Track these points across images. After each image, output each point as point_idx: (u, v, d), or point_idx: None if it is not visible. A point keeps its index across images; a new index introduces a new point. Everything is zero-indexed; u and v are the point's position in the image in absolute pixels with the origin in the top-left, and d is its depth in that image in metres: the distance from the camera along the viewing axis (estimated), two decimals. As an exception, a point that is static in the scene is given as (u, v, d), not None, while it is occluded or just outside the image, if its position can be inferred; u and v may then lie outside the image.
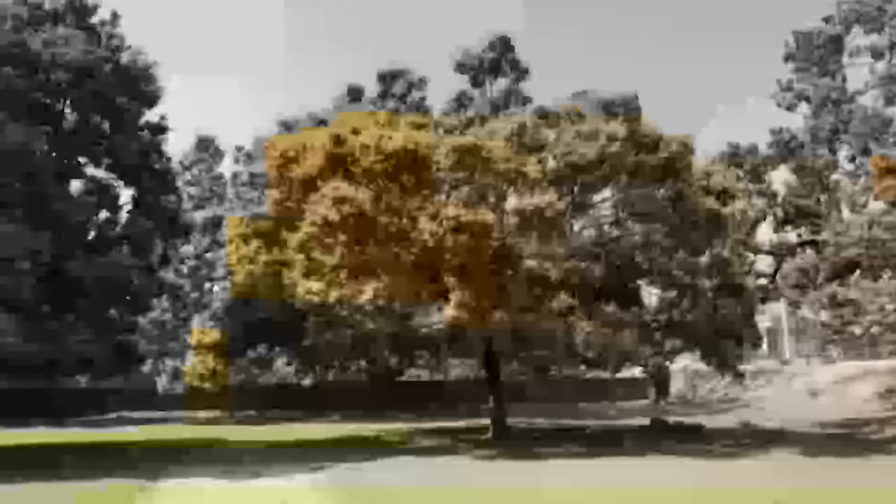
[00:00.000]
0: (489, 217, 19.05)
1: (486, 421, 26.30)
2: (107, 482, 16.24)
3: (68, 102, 21.79)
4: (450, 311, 18.91)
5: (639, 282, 24.45)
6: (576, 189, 22.43)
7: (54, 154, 20.35)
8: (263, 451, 22.26)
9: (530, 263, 19.42)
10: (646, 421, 29.40)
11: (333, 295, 20.21)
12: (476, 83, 27.30)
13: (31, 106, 20.12)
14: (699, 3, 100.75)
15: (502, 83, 27.14)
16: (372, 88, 29.56)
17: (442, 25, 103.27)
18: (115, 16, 22.75)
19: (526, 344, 22.63)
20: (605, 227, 23.49)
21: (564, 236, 21.37)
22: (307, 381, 34.84)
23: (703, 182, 22.84)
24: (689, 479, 16.45)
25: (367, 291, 19.79)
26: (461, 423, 30.95)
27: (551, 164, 21.79)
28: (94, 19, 22.26)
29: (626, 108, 21.57)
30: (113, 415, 37.55)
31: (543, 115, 23.17)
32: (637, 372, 35.44)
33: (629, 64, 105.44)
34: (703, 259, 23.15)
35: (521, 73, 27.22)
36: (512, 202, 19.48)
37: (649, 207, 21.50)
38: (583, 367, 29.55)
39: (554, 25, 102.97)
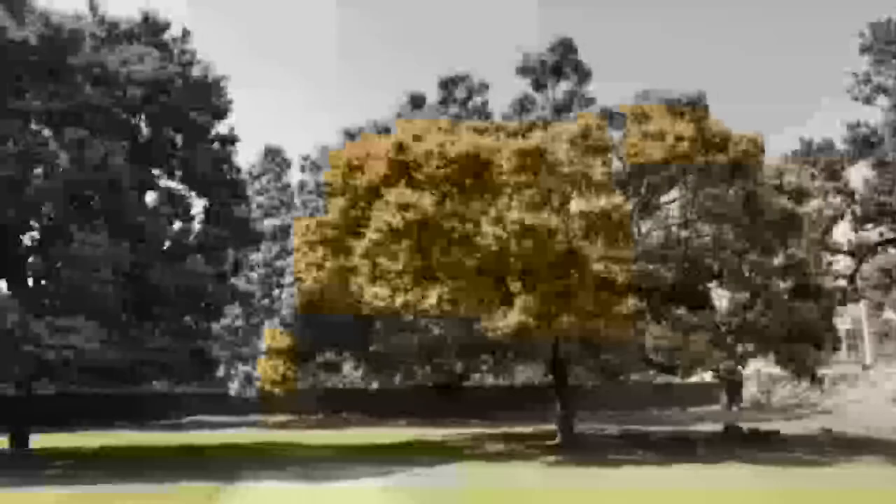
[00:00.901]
0: (554, 220, 18.93)
1: (553, 427, 26.06)
2: (185, 484, 16.78)
3: (143, 117, 22.67)
4: (515, 316, 18.85)
5: (709, 284, 23.85)
6: (643, 190, 22.08)
7: (132, 167, 21.17)
8: (333, 455, 22.60)
9: (597, 267, 19.18)
10: (719, 427, 28.61)
11: (399, 300, 20.40)
12: (538, 86, 27.11)
13: (109, 122, 21.02)
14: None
15: (565, 85, 26.89)
16: (434, 95, 29.80)
17: (501, 30, 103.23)
18: (185, 32, 23.57)
19: (593, 349, 22.34)
20: (674, 229, 23.02)
21: (632, 239, 21.04)
22: (374, 386, 35.21)
23: (776, 181, 22.16)
24: (772, 485, 15.95)
25: (432, 297, 19.93)
26: (528, 429, 30.75)
27: (617, 165, 21.51)
28: (166, 36, 23.12)
29: (693, 107, 21.10)
30: (189, 418, 38.75)
31: (608, 116, 22.89)
32: (708, 376, 34.49)
33: (695, 63, 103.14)
34: (777, 260, 22.44)
35: (584, 74, 26.90)
36: (577, 205, 19.28)
37: (719, 208, 20.99)
38: (652, 372, 28.92)
39: (617, 25, 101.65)
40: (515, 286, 19.56)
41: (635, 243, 21.43)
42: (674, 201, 22.92)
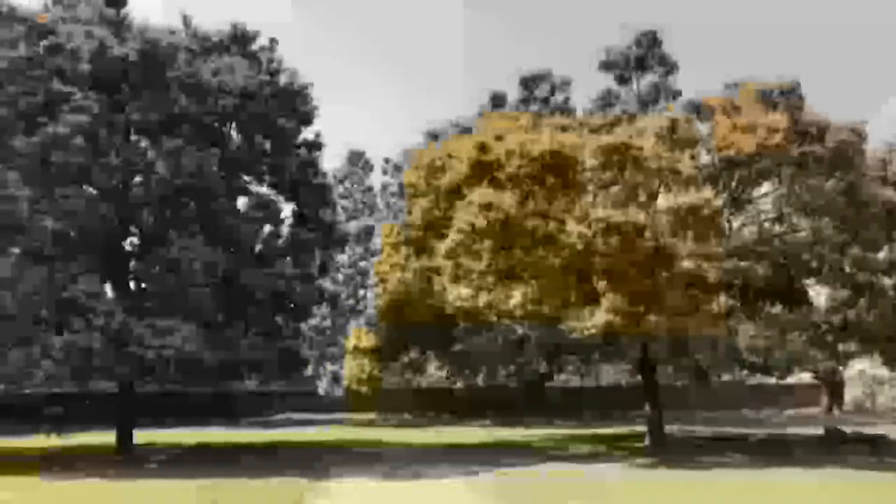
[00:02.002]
0: (641, 217, 18.50)
1: (642, 428, 25.51)
2: (278, 478, 17.30)
3: (234, 125, 23.49)
4: (602, 316, 18.52)
5: (806, 281, 22.77)
6: (733, 184, 21.31)
7: (223, 174, 21.97)
8: (420, 453, 22.82)
9: (686, 264, 18.62)
10: (819, 430, 27.33)
11: (482, 300, 20.38)
12: (622, 81, 26.57)
13: (202, 131, 21.88)
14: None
15: (650, 79, 26.27)
16: (515, 93, 29.68)
17: (582, 25, 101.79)
18: (272, 41, 24.29)
19: (683, 348, 21.70)
20: (767, 224, 22.11)
21: (722, 235, 20.35)
22: (458, 386, 35.37)
23: (880, 172, 20.96)
24: (875, 493, 15.09)
25: (515, 296, 19.82)
26: (614, 431, 30.23)
27: (705, 159, 20.84)
28: (255, 46, 23.88)
29: (787, 97, 20.19)
30: (279, 416, 39.97)
31: (695, 109, 22.20)
32: (807, 377, 32.98)
33: (789, 51, 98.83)
34: (882, 255, 21.22)
35: (670, 67, 26.19)
36: (665, 201, 18.79)
37: (817, 200, 20.02)
38: (745, 373, 27.90)
39: (702, 14, 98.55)
40: (601, 285, 19.21)
41: (726, 239, 20.70)
42: (767, 195, 21.99)
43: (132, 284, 22.49)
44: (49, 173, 19.97)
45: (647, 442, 24.01)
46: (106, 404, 29.42)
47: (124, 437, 23.26)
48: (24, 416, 34.02)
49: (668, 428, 25.04)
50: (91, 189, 20.72)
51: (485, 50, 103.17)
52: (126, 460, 21.67)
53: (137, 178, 20.93)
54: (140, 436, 24.36)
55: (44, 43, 20.69)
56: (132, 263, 22.59)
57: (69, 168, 19.82)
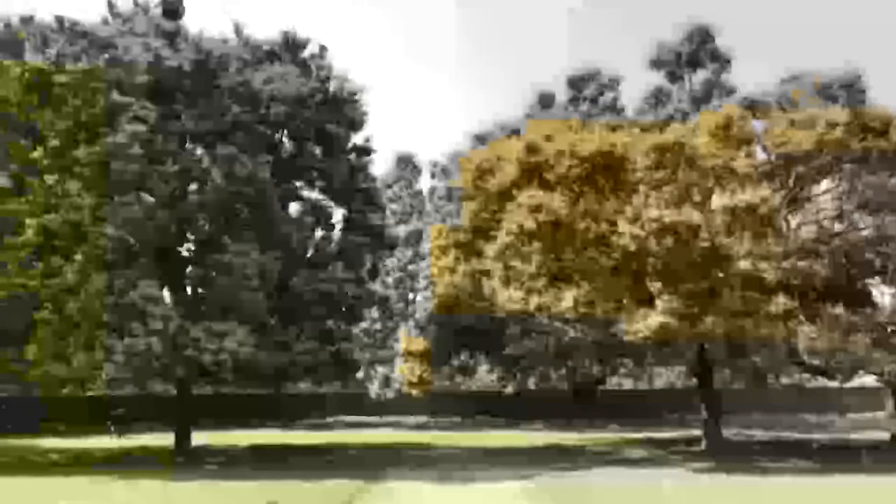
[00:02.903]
0: (695, 217, 18.14)
1: (697, 432, 24.97)
2: (332, 480, 17.46)
3: (285, 132, 23.90)
4: (656, 318, 18.21)
5: (870, 280, 22.01)
6: (791, 182, 20.72)
7: (275, 180, 22.35)
8: (472, 457, 22.77)
9: (743, 265, 18.17)
10: (884, 435, 26.35)
11: (533, 303, 20.24)
12: (673, 78, 26.09)
13: (255, 138, 22.31)
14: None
15: (702, 75, 25.73)
16: (563, 94, 29.40)
17: (632, 24, 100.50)
18: (322, 48, 24.65)
19: (740, 350, 21.21)
20: (827, 222, 21.44)
21: (780, 234, 19.80)
22: (509, 389, 35.24)
23: (949, 166, 20.10)
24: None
25: (567, 299, 19.63)
26: (670, 434, 29.69)
27: (762, 156, 20.32)
28: (305, 53, 24.26)
29: (847, 90, 19.54)
30: (331, 418, 40.40)
31: (751, 105, 21.67)
32: (870, 381, 31.84)
33: (849, 42, 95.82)
34: (950, 253, 20.36)
35: (723, 62, 25.61)
36: (720, 200, 18.36)
37: (881, 197, 19.34)
38: (805, 375, 27.09)
39: (758, 9, 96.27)
40: (655, 286, 18.89)
41: (784, 238, 20.13)
42: (826, 192, 21.33)
43: (189, 289, 23.03)
44: (109, 182, 20.59)
45: (703, 446, 23.50)
46: (163, 406, 30.25)
47: (182, 439, 23.82)
48: (88, 417, 35.18)
49: (724, 432, 24.47)
50: (149, 196, 21.29)
51: (533, 50, 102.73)
52: (185, 461, 22.17)
53: (193, 186, 21.43)
54: (197, 437, 24.88)
55: (103, 56, 21.37)
56: (188, 269, 23.15)
57: (128, 176, 20.40)
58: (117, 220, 20.18)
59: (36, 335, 20.29)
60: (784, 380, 33.14)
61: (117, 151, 20.09)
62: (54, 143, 21.27)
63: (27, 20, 21.06)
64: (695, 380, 25.12)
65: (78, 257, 20.48)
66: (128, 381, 21.61)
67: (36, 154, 21.65)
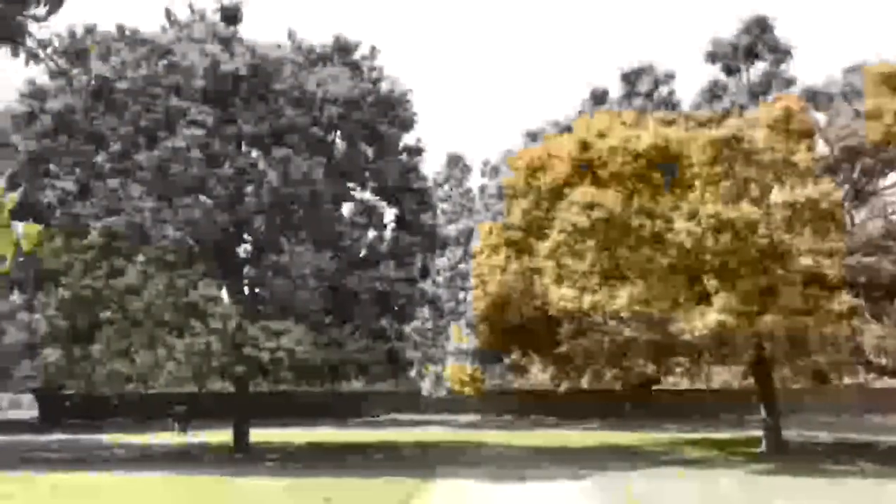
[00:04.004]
0: (754, 212, 17.72)
1: (756, 433, 24.40)
2: (387, 478, 17.62)
3: (338, 133, 24.19)
4: (713, 316, 17.85)
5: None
6: (855, 176, 20.08)
7: (329, 181, 22.65)
8: (524, 456, 22.70)
9: (804, 261, 17.68)
10: (957, 438, 25.31)
11: (586, 301, 20.05)
12: (730, 71, 25.47)
13: (308, 140, 22.64)
14: None
15: (760, 67, 25.08)
16: (616, 90, 29.09)
17: (686, 17, 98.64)
18: (373, 50, 24.86)
19: (802, 349, 20.59)
20: (895, 217, 20.69)
21: (844, 229, 19.18)
22: (562, 388, 34.93)
23: None
24: None
25: (621, 297, 19.40)
26: (727, 435, 29.06)
27: (823, 150, 19.73)
28: (356, 55, 24.51)
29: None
30: (384, 417, 40.73)
31: (812, 96, 21.04)
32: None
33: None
34: None
35: (782, 54, 24.92)
36: (780, 195, 17.90)
37: (952, 190, 18.57)
38: (871, 376, 26.18)
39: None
40: (712, 284, 18.52)
41: (848, 234, 19.51)
42: (893, 186, 20.59)
43: (246, 289, 23.51)
44: (169, 185, 21.18)
45: (763, 447, 22.94)
46: (220, 403, 30.95)
47: (241, 435, 24.32)
48: (149, 414, 36.23)
49: (785, 433, 23.84)
50: (207, 199, 21.81)
51: (584, 46, 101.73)
52: (244, 458, 22.65)
53: (249, 188, 21.87)
54: (253, 434, 25.39)
55: (162, 62, 21.97)
56: (245, 269, 23.64)
57: (187, 179, 20.96)
58: (177, 221, 20.74)
59: (101, 334, 21.02)
60: (848, 380, 32.08)
61: (177, 155, 20.66)
62: (116, 147, 22.00)
63: (90, 30, 21.78)
64: (753, 379, 24.53)
65: (140, 258, 21.14)
66: (188, 378, 22.20)
67: (99, 159, 22.44)
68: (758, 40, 24.66)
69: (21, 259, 20.82)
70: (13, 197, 17.68)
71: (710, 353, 24.79)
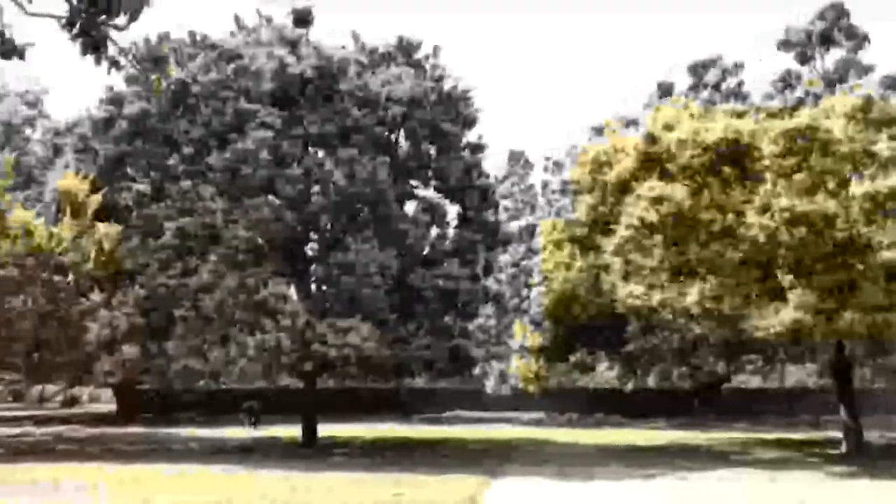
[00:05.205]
0: (831, 205, 17.11)
1: (834, 433, 23.52)
2: (452, 474, 17.67)
3: (401, 132, 24.41)
4: (789, 313, 17.31)
5: None
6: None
7: (393, 180, 22.88)
8: (592, 454, 22.44)
9: (887, 255, 16.94)
10: None
11: (655, 298, 19.71)
12: (804, 59, 24.59)
13: (373, 140, 22.92)
14: None
15: (836, 55, 24.12)
16: (683, 83, 28.45)
17: (756, 6, 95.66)
18: (436, 48, 24.98)
19: (883, 347, 19.80)
20: None
21: (930, 221, 18.29)
22: (629, 386, 34.43)
23: None
24: None
25: (691, 294, 19.00)
26: (802, 435, 28.09)
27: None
28: (419, 54, 24.66)
29: None
30: (448, 413, 40.85)
31: (892, 84, 20.14)
32: None
33: None
34: None
35: (860, 40, 23.90)
36: (859, 186, 17.20)
37: None
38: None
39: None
40: (787, 280, 17.97)
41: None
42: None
43: (313, 287, 23.94)
44: (239, 186, 21.74)
45: (843, 449, 22.09)
46: (288, 399, 31.58)
47: (309, 430, 24.79)
48: (221, 409, 37.27)
49: (866, 434, 22.91)
50: (275, 199, 22.30)
51: (648, 39, 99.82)
52: (312, 452, 23.08)
53: (316, 188, 22.26)
54: (320, 429, 25.81)
55: (231, 66, 22.57)
56: (312, 267, 24.08)
57: (256, 180, 21.48)
58: (247, 221, 21.27)
59: (175, 331, 21.75)
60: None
61: (246, 157, 21.19)
62: (189, 150, 22.72)
63: (164, 37, 22.53)
64: (830, 378, 23.67)
65: (212, 258, 21.76)
66: (258, 375, 22.76)
67: (172, 161, 23.22)
68: (833, 26, 23.71)
69: (102, 258, 21.78)
70: (96, 199, 18.59)
71: (784, 352, 24.08)
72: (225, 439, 27.39)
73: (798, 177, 17.87)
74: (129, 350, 22.51)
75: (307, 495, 14.76)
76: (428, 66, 24.26)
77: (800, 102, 21.69)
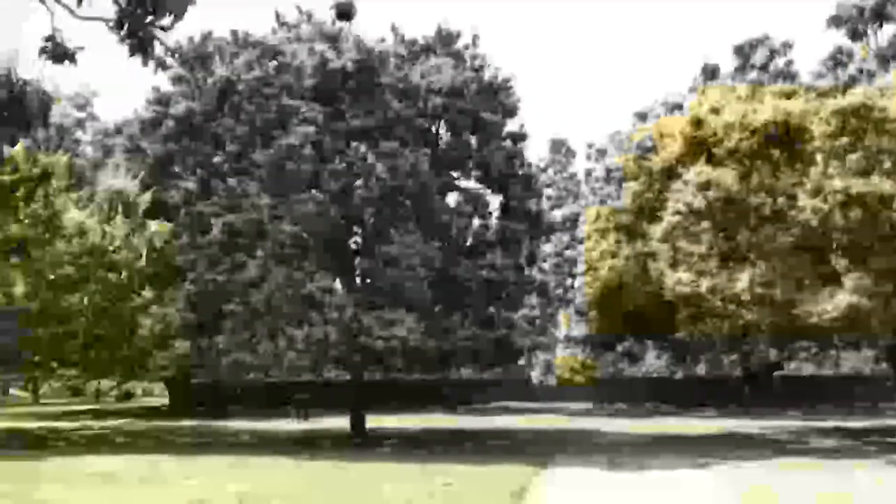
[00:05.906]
0: (887, 186, 16.56)
1: (893, 421, 22.82)
2: (501, 465, 17.67)
3: (442, 123, 24.37)
4: (844, 298, 16.85)
5: None
6: None
7: (435, 171, 22.87)
8: (642, 444, 22.20)
9: (946, 236, 16.37)
10: None
11: (704, 285, 19.36)
12: (855, 36, 23.79)
13: (414, 132, 22.94)
14: None
15: (890, 31, 23.27)
16: (728, 64, 27.82)
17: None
18: (475, 38, 24.84)
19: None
20: None
21: None
22: (678, 375, 33.99)
23: None
24: None
25: (742, 280, 18.63)
26: (860, 424, 27.34)
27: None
28: (459, 44, 24.57)
29: None
30: (494, 404, 40.90)
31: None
32: None
33: None
34: None
35: (918, 13, 23.05)
36: (917, 166, 16.63)
37: None
38: None
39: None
40: (841, 264, 17.49)
41: None
42: None
43: (358, 280, 24.13)
44: (284, 181, 21.98)
45: (903, 437, 21.47)
46: (336, 391, 31.95)
47: (358, 422, 25.05)
48: (270, 401, 37.93)
49: (928, 422, 22.24)
50: (319, 194, 22.50)
51: (690, 23, 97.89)
52: (362, 443, 23.33)
53: (359, 181, 22.39)
54: (368, 420, 26.08)
55: (273, 63, 22.81)
56: (357, 260, 24.26)
57: (300, 175, 21.69)
58: (293, 217, 21.50)
59: (225, 325, 22.15)
60: None
61: (290, 153, 21.41)
62: (234, 148, 23.06)
63: (207, 35, 22.89)
64: (887, 364, 22.96)
65: (259, 253, 22.06)
66: (306, 367, 23.05)
67: (218, 159, 23.61)
68: (887, 1, 22.87)
69: (153, 255, 22.31)
70: (145, 198, 19.02)
71: (839, 338, 23.46)
72: (276, 431, 27.86)
73: (852, 157, 17.34)
74: (181, 345, 23.06)
75: (362, 486, 14.92)
76: (468, 56, 24.15)
77: (852, 80, 21.01)
